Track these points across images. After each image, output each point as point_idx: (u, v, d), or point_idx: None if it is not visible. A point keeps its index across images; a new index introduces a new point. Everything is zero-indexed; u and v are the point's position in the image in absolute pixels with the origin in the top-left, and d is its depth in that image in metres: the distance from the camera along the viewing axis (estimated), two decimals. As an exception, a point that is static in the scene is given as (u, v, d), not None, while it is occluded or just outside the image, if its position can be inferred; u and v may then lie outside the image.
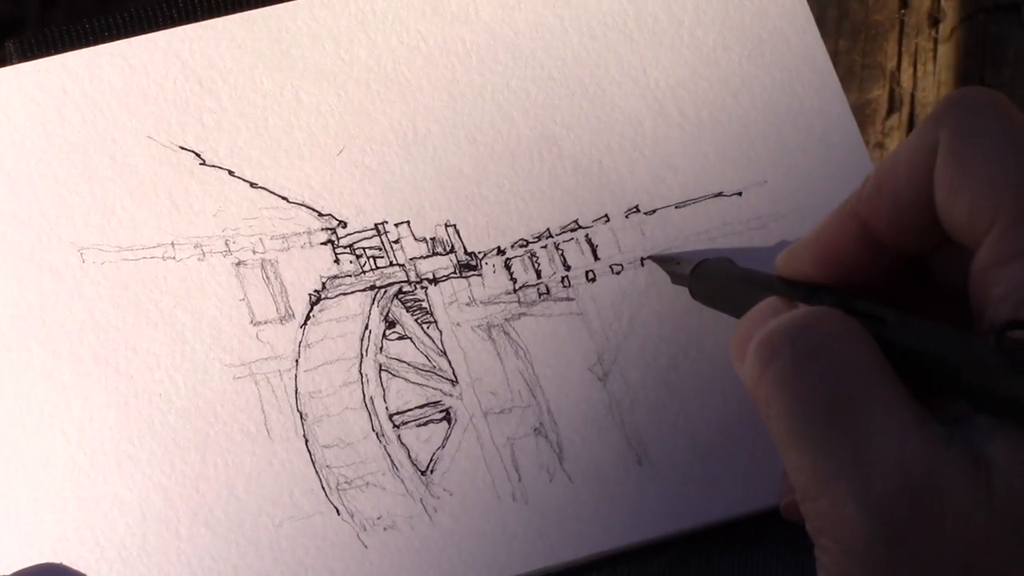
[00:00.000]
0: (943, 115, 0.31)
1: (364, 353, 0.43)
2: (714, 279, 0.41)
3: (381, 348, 0.43)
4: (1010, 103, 0.31)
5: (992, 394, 0.28)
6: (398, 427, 0.42)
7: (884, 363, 0.29)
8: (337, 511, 0.41)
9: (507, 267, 0.44)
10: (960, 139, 0.30)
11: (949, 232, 0.31)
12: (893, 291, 0.34)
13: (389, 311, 0.43)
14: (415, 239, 0.44)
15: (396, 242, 0.44)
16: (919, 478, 0.27)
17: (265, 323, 0.43)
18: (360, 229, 0.44)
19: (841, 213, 0.34)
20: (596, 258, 0.44)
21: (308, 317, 0.43)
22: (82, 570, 0.40)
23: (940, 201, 0.30)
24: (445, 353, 0.43)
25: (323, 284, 0.43)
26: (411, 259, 0.44)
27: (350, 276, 0.44)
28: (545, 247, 0.44)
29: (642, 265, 0.44)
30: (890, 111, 0.48)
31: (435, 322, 0.43)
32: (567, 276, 0.44)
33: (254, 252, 0.44)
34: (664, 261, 0.44)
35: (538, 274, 0.44)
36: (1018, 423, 0.27)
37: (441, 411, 0.42)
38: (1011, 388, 0.27)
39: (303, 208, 0.44)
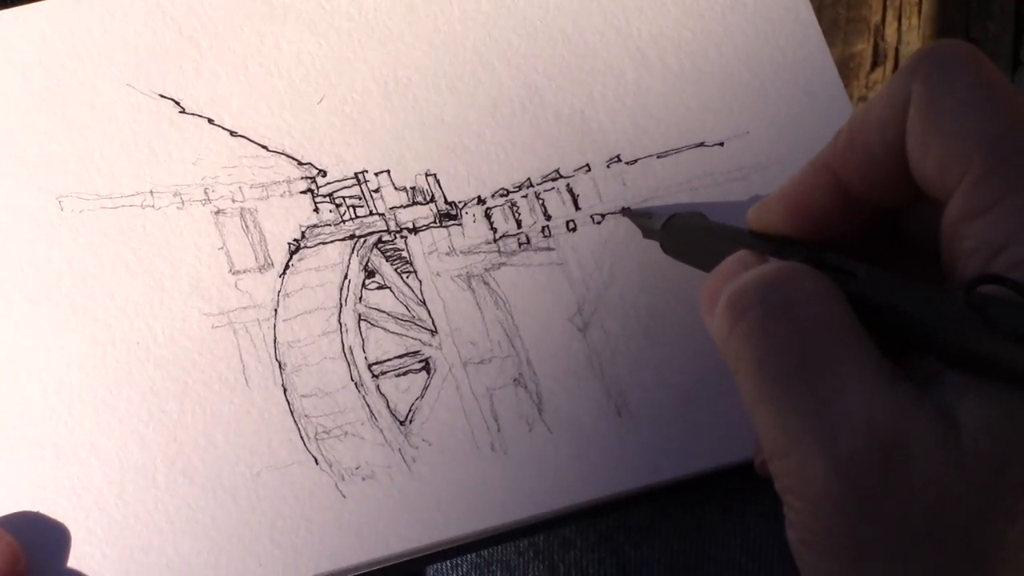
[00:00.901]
0: (915, 68, 0.30)
1: (343, 303, 0.43)
2: (685, 233, 0.41)
3: (360, 298, 0.43)
4: (983, 56, 0.30)
5: (961, 350, 0.27)
6: (377, 377, 0.42)
7: (854, 320, 0.29)
8: (315, 461, 0.41)
9: (487, 217, 0.44)
10: (932, 92, 0.30)
11: (921, 186, 0.31)
12: (865, 246, 0.34)
13: (369, 260, 0.43)
14: (395, 188, 0.44)
15: (376, 191, 0.44)
16: (887, 436, 0.27)
17: (244, 272, 0.43)
18: (340, 178, 0.44)
19: (814, 166, 0.34)
20: (577, 208, 0.44)
21: (287, 266, 0.43)
22: (59, 518, 0.40)
23: (912, 155, 0.30)
24: (425, 303, 0.43)
25: (302, 233, 0.43)
26: (391, 208, 0.44)
27: (330, 225, 0.43)
28: (526, 197, 0.44)
29: (623, 216, 0.44)
30: (874, 65, 0.48)
31: (415, 272, 0.43)
32: (548, 226, 0.44)
33: (233, 201, 0.43)
34: (637, 215, 0.43)
35: (518, 224, 0.44)
36: (987, 379, 0.27)
37: (420, 361, 0.42)
38: (980, 344, 0.27)
39: (283, 157, 0.44)
